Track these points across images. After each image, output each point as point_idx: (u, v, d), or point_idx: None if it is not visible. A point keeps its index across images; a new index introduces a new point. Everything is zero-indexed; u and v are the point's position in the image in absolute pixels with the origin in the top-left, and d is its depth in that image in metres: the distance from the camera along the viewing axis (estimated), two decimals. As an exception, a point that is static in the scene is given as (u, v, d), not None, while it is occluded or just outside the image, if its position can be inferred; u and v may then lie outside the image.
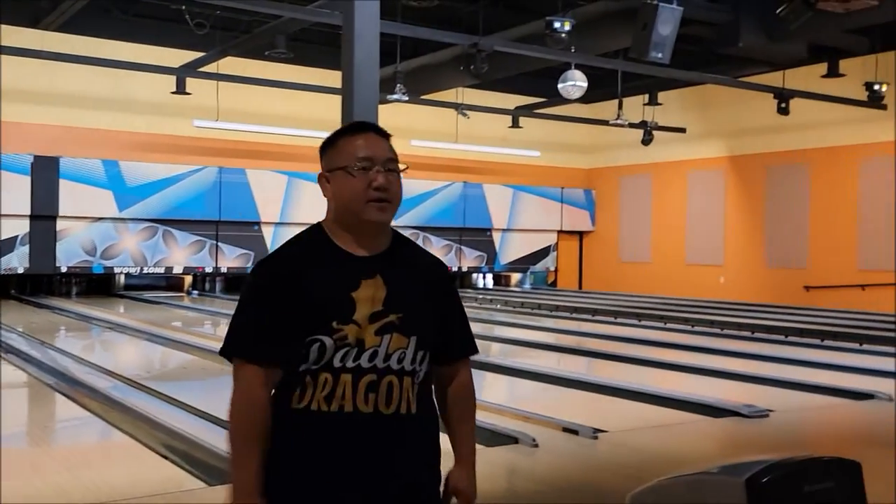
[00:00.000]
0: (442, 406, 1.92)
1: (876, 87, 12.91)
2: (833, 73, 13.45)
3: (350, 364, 1.73)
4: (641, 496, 1.93)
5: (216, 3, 9.53)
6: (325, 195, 1.84)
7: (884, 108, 13.51)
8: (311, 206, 15.60)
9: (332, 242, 1.81)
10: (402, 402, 1.77)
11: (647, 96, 15.82)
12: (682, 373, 7.86)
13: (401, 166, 1.84)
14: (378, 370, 1.74)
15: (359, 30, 6.60)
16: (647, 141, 15.82)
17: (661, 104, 16.09)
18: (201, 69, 12.93)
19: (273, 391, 1.76)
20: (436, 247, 17.38)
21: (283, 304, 1.73)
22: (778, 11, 6.67)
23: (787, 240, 15.85)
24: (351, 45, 6.62)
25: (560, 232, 19.37)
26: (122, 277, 15.31)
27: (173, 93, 13.48)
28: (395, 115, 12.54)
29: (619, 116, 14.55)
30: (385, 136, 1.86)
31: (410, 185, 16.86)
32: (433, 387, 1.90)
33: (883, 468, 4.33)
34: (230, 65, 13.32)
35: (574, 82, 11.50)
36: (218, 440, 4.20)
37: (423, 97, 14.39)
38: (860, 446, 5.14)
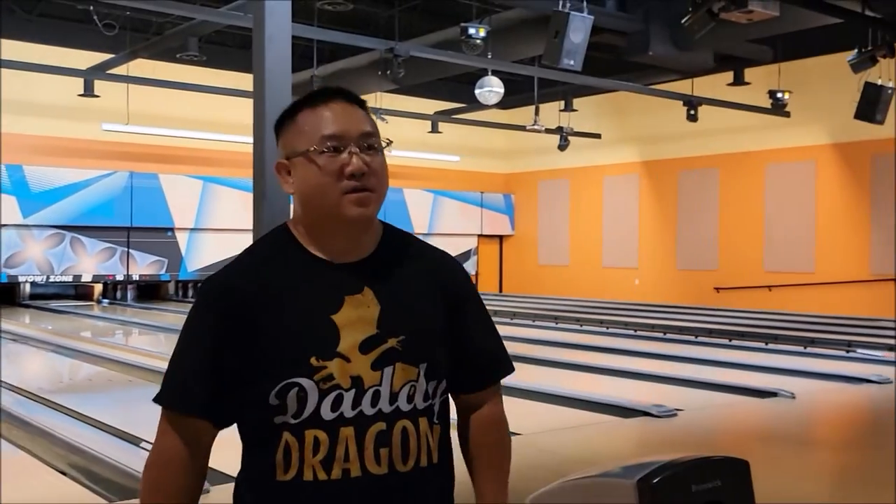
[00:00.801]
0: (464, 447, 1.50)
1: (779, 94, 13.40)
2: (739, 81, 13.92)
3: (349, 413, 1.31)
4: (541, 498, 1.94)
5: (125, 3, 9.27)
6: (285, 189, 1.41)
7: (787, 115, 14.04)
8: (231, 212, 15.39)
9: (302, 248, 1.40)
10: (422, 453, 1.37)
11: (562, 102, 16.08)
12: (597, 374, 8.00)
13: (383, 142, 1.42)
14: (386, 416, 1.33)
15: (270, 32, 6.50)
16: (563, 146, 16.09)
17: (576, 110, 16.37)
18: (110, 71, 12.57)
19: (250, 458, 1.37)
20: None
21: (235, 337, 1.32)
22: (683, 21, 6.87)
23: (698, 242, 16.31)
24: (262, 49, 6.52)
25: (480, 236, 19.53)
26: (28, 286, 14.73)
27: (81, 95, 13.06)
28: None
29: (535, 122, 14.74)
30: (358, 102, 1.43)
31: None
32: (457, 422, 1.50)
33: (778, 464, 4.49)
34: (141, 67, 12.98)
35: (491, 88, 11.60)
36: (121, 455, 4.07)
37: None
38: (759, 443, 5.32)
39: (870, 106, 9.56)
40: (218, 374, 1.32)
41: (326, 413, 1.31)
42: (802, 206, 14.97)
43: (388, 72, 10.81)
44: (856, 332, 10.74)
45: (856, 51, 8.98)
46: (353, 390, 1.32)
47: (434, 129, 17.00)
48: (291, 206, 1.49)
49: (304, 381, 1.30)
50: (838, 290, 14.26)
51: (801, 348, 9.42)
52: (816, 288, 14.49)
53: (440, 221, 18.75)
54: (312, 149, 1.36)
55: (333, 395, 1.31)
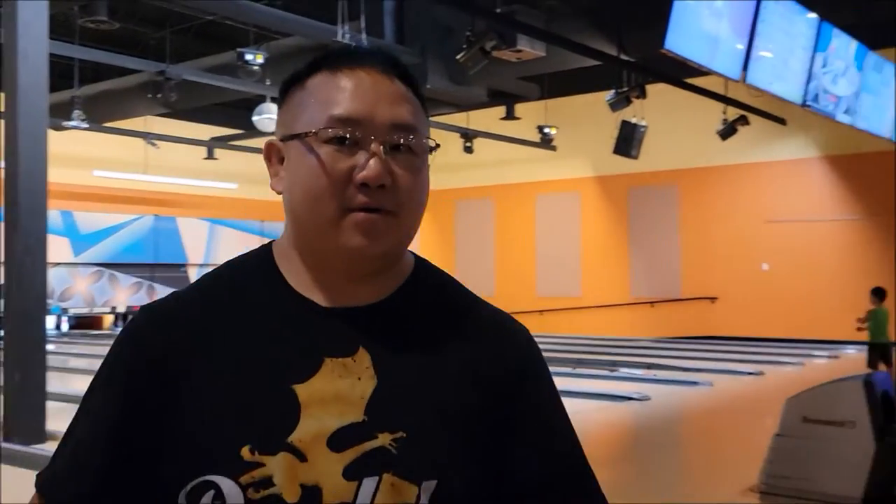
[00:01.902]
0: None
1: (546, 129, 14.22)
2: (510, 115, 14.64)
3: None
4: None
5: None
6: (272, 185, 0.97)
7: (554, 148, 14.94)
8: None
9: (281, 281, 0.95)
10: None
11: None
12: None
13: (430, 143, 0.95)
14: None
15: (24, 48, 5.96)
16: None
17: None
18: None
19: None
20: (124, 286, 16.28)
21: (148, 403, 0.89)
22: (458, 57, 7.10)
23: (475, 270, 16.88)
24: (14, 66, 5.96)
25: (259, 266, 19.09)
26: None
27: None
28: (74, 143, 11.57)
29: (316, 151, 14.63)
30: (403, 77, 0.96)
31: (93, 219, 15.67)
32: None
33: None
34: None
35: (269, 115, 11.36)
36: None
37: (106, 125, 13.44)
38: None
39: (626, 142, 10.34)
40: (116, 454, 0.89)
41: None
42: (569, 234, 15.95)
43: (160, 95, 10.29)
44: (619, 352, 11.52)
45: (613, 91, 9.70)
46: None
47: (210, 156, 16.40)
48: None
49: (224, 483, 0.83)
50: (603, 313, 15.29)
51: (570, 369, 9.94)
52: (583, 311, 15.45)
53: (217, 251, 18.07)
54: (314, 132, 0.90)
55: None
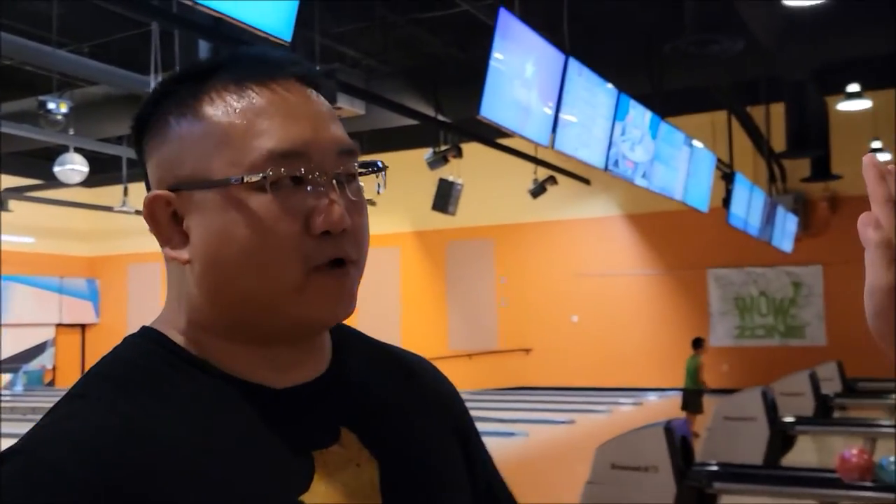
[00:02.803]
0: None
1: (366, 185, 14.34)
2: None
3: None
4: None
5: None
6: (167, 254, 0.77)
7: (373, 203, 14.96)
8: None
9: (208, 369, 0.74)
10: None
11: (155, 184, 15.47)
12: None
13: (382, 166, 0.81)
14: None
15: None
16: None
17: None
18: None
19: None
20: None
21: None
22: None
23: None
24: None
25: (59, 325, 17.74)
26: None
27: None
28: None
29: (124, 203, 13.94)
30: (315, 84, 0.78)
31: None
32: None
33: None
34: None
35: (73, 166, 10.73)
36: None
37: None
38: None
39: (444, 199, 10.61)
40: None
41: None
42: (389, 288, 16.05)
43: (-53, 142, 9.48)
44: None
45: (431, 150, 9.96)
46: None
47: (3, 207, 15.24)
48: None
49: None
50: (422, 366, 15.42)
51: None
52: (403, 365, 15.52)
53: (10, 310, 16.71)
54: (246, 178, 0.70)
55: None
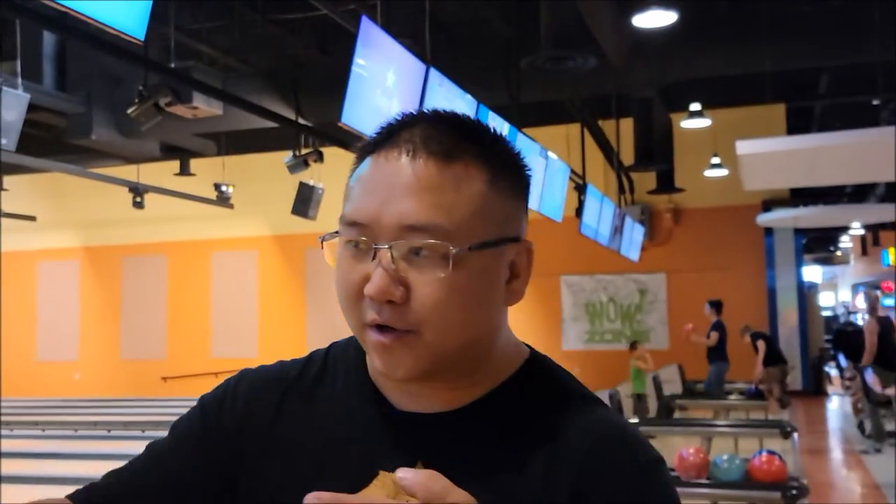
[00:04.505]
0: None
1: (223, 187, 13.97)
2: (185, 171, 14.18)
3: None
4: None
5: None
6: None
7: (231, 206, 14.68)
8: None
9: (366, 375, 0.88)
10: None
11: (-10, 180, 14.50)
12: (31, 485, 7.14)
13: (452, 248, 0.77)
14: None
15: None
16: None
17: (7, 190, 14.90)
18: None
19: None
20: None
21: (211, 458, 0.89)
22: (129, 111, 6.77)
23: (145, 331, 15.93)
24: None
25: None
26: None
27: None
28: None
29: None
30: (441, 150, 0.79)
31: None
32: None
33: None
34: None
35: None
36: None
37: None
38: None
39: (304, 203, 10.47)
40: (189, 459, 0.91)
41: None
42: (245, 293, 15.69)
43: None
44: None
45: (291, 154, 9.82)
46: None
47: None
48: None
49: None
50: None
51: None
52: (260, 372, 15.20)
53: None
54: (328, 235, 0.83)
55: None
